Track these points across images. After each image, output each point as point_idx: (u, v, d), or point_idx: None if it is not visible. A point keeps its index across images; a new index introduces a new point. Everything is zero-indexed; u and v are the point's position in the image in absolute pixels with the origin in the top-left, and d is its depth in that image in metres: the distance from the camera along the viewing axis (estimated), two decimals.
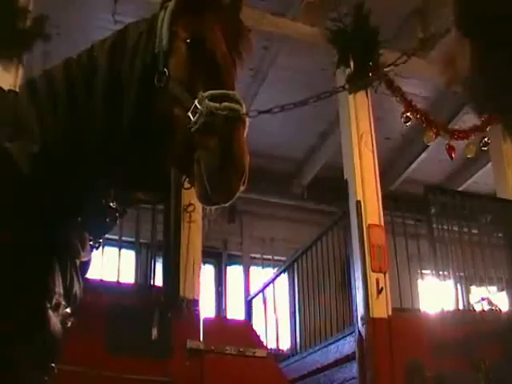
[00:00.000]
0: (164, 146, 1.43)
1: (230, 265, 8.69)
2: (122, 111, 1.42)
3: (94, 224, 1.47)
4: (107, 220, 1.49)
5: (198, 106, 1.34)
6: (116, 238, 4.73)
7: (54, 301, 1.32)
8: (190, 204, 4.65)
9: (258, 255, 8.68)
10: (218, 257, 8.56)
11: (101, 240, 1.52)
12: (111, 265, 4.75)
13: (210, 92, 1.37)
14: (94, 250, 1.51)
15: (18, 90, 1.55)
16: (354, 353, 4.84)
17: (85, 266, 1.50)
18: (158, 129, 1.42)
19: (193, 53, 1.45)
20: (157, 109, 1.42)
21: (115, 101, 1.42)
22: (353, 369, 4.86)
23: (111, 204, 1.47)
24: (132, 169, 1.45)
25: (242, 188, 1.36)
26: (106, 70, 1.45)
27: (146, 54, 1.46)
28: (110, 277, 4.68)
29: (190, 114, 1.35)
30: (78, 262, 1.45)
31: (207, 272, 8.24)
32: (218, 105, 1.34)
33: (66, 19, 5.59)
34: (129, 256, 5.86)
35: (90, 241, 1.48)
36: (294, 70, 6.83)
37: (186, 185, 1.45)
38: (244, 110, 1.40)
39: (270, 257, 8.62)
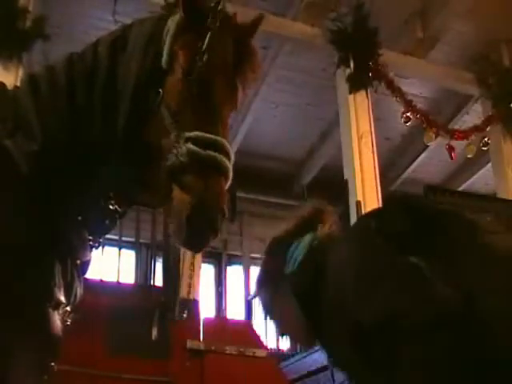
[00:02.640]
0: (147, 166, 1.35)
1: (230, 265, 8.69)
2: (116, 117, 1.36)
3: (94, 224, 1.46)
4: (106, 221, 1.47)
5: (181, 146, 1.24)
6: (116, 238, 4.73)
7: (54, 300, 1.31)
8: None
9: (258, 255, 8.67)
10: (218, 257, 8.56)
11: (100, 240, 1.51)
12: (111, 265, 4.75)
13: (197, 133, 1.25)
14: (94, 249, 1.50)
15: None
16: None
17: (84, 265, 1.49)
18: (143, 148, 1.35)
19: (188, 81, 1.32)
20: (146, 128, 1.35)
21: (111, 104, 1.37)
22: None
23: (110, 206, 1.45)
24: (129, 172, 1.42)
25: (215, 237, 1.29)
26: (105, 68, 1.40)
27: (145, 63, 1.37)
28: (109, 277, 4.68)
29: (173, 149, 1.26)
30: (78, 261, 1.44)
31: (207, 272, 8.24)
32: (200, 151, 1.24)
33: (66, 19, 5.59)
34: (129, 256, 5.87)
35: (90, 240, 1.47)
36: (294, 70, 6.83)
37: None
38: (229, 162, 1.28)
39: None
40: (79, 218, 1.40)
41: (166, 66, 1.35)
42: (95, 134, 1.37)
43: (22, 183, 1.29)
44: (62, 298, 1.34)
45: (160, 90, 1.32)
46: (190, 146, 1.23)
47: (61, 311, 1.35)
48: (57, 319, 1.33)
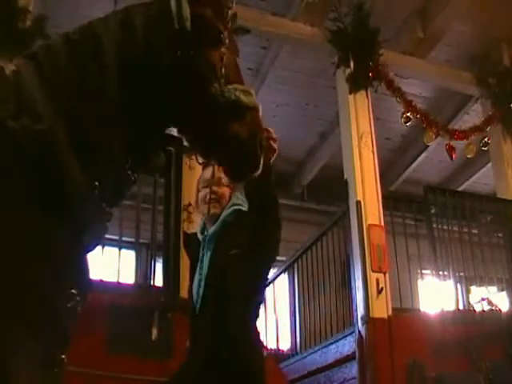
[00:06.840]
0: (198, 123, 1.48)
1: None
2: (142, 80, 1.38)
3: (110, 193, 1.39)
4: (121, 189, 1.43)
5: (231, 96, 1.46)
6: (116, 238, 4.72)
7: (65, 289, 1.25)
8: (190, 204, 4.65)
9: None
10: None
11: (111, 213, 1.44)
12: (111, 265, 4.74)
13: (240, 87, 1.50)
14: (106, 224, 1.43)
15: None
16: (354, 353, 4.84)
17: (93, 244, 1.41)
18: (194, 109, 1.45)
19: (223, 46, 1.51)
20: (184, 84, 1.43)
21: (131, 67, 1.38)
22: (353, 369, 4.86)
23: (127, 171, 1.42)
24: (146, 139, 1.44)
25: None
26: (114, 40, 1.42)
27: (161, 29, 1.44)
28: (109, 277, 4.67)
29: (226, 95, 1.45)
30: (90, 240, 1.36)
31: None
32: (246, 99, 1.51)
33: (66, 19, 5.59)
34: (129, 256, 5.87)
35: (106, 213, 1.39)
36: (294, 70, 6.83)
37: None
38: None
39: None
40: (96, 192, 1.32)
41: (189, 28, 1.43)
42: (111, 104, 1.33)
43: (28, 163, 1.21)
44: (73, 288, 1.28)
45: (193, 51, 1.43)
46: (242, 95, 1.51)
47: (71, 300, 1.28)
48: (67, 309, 1.27)
